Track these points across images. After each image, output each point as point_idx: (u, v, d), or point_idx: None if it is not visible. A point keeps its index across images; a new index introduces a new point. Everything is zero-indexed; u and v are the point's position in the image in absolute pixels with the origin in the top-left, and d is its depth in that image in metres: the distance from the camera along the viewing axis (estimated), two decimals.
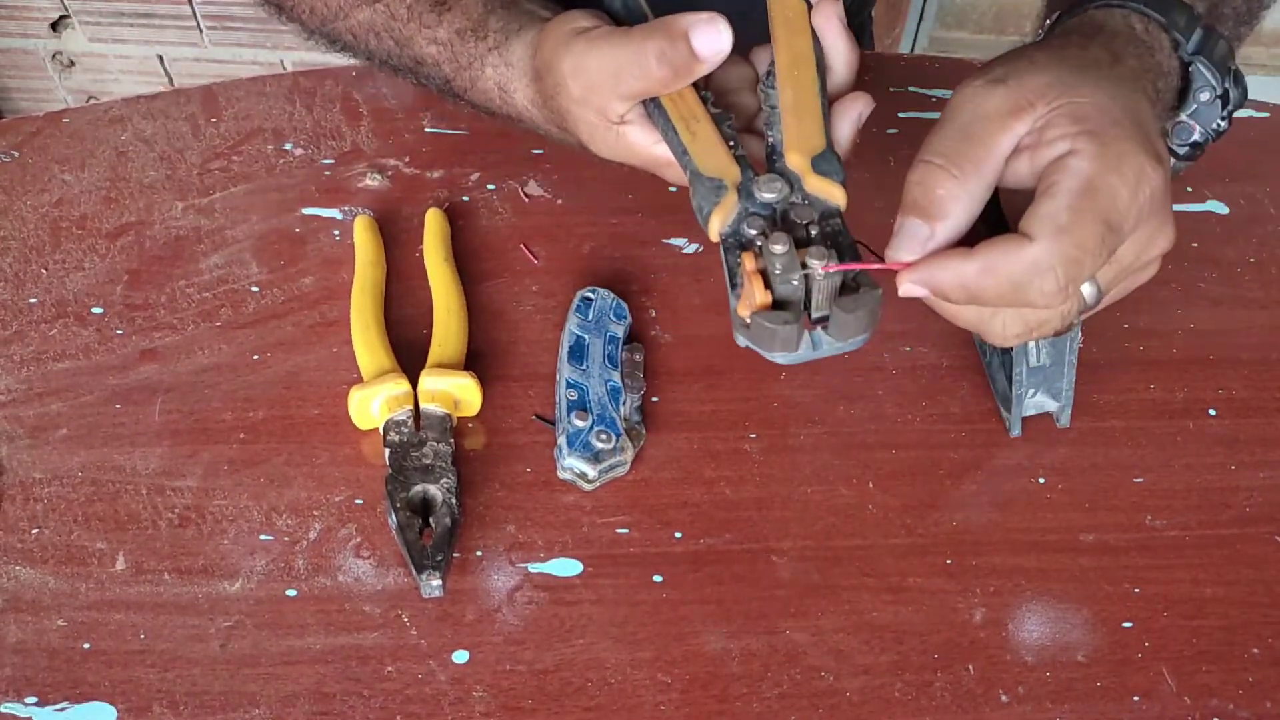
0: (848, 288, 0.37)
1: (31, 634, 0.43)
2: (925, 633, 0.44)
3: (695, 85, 0.42)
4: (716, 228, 0.39)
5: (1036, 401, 0.50)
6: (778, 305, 0.37)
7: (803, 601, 0.45)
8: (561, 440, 0.48)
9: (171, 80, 1.42)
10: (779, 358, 0.37)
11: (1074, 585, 0.46)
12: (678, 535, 0.47)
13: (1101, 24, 0.42)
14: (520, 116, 0.49)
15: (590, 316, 0.52)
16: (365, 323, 0.52)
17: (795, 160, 0.40)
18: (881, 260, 0.38)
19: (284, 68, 1.36)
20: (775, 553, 0.47)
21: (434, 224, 0.58)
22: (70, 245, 0.57)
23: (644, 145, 0.43)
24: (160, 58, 1.40)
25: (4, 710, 0.41)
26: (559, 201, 0.61)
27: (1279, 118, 0.68)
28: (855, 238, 0.38)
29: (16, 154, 0.62)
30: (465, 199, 0.61)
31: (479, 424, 0.51)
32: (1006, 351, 0.49)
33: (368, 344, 0.51)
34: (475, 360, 0.53)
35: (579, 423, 0.48)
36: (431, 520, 0.45)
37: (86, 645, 0.43)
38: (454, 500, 0.46)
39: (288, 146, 0.63)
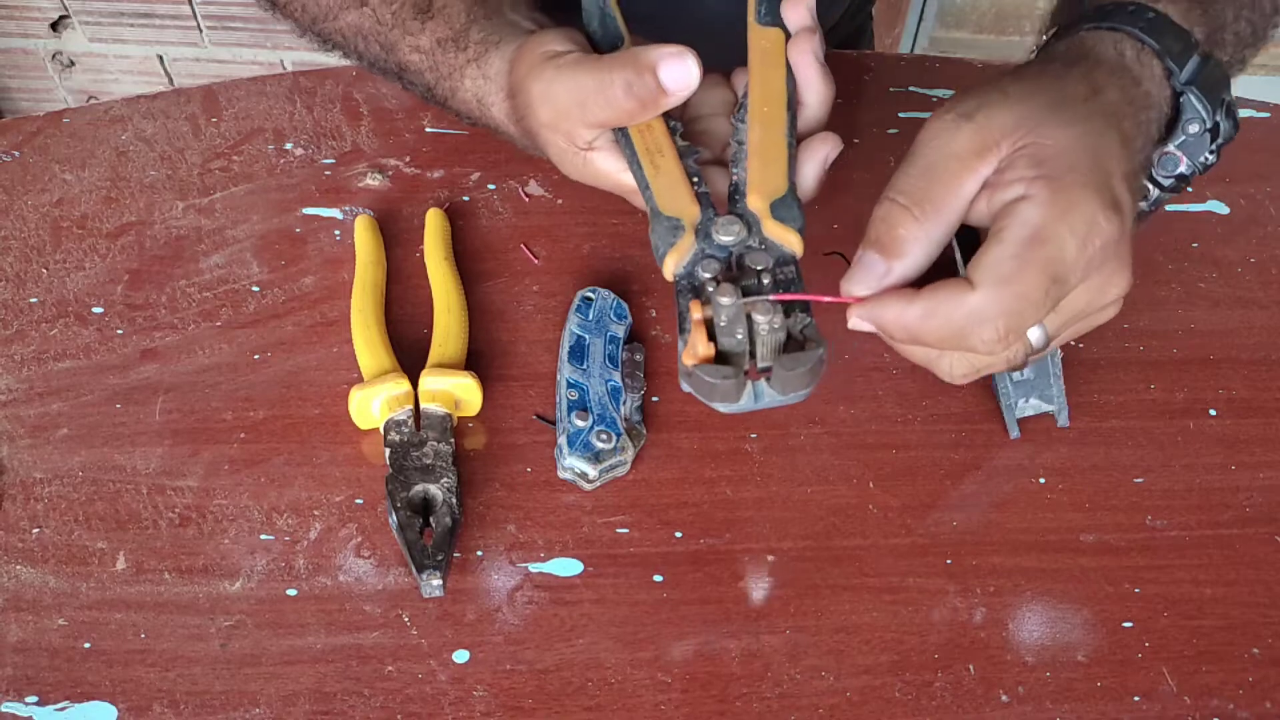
0: (793, 341, 0.37)
1: (32, 633, 0.43)
2: (925, 633, 0.44)
3: (666, 116, 0.42)
4: (671, 268, 0.39)
5: (1032, 405, 0.50)
6: (721, 357, 0.37)
7: (803, 601, 0.45)
8: (562, 440, 0.48)
9: (171, 80, 1.42)
10: (719, 407, 0.37)
11: (1074, 585, 0.46)
12: (678, 535, 0.47)
13: (1089, 50, 0.41)
14: (497, 128, 0.49)
15: (591, 316, 0.52)
16: (366, 322, 0.52)
17: (756, 203, 0.39)
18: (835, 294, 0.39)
19: (284, 67, 1.36)
20: (775, 552, 0.47)
21: (434, 224, 0.58)
22: (71, 245, 0.57)
23: (611, 172, 0.43)
24: (160, 58, 1.40)
25: (5, 709, 0.41)
26: (559, 201, 0.61)
27: (1279, 118, 0.68)
28: (839, 250, 0.38)
29: (17, 154, 0.62)
30: (466, 199, 0.61)
31: (479, 424, 0.51)
32: None
33: (368, 344, 0.51)
34: (476, 360, 0.53)
35: (579, 422, 0.48)
36: (432, 520, 0.45)
37: (87, 645, 0.43)
38: (454, 500, 0.46)
39: (288, 146, 0.63)
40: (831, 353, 0.54)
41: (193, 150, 0.63)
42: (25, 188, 0.60)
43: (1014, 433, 0.50)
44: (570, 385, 0.50)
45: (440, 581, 0.43)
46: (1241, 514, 0.49)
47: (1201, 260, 0.59)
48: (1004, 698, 0.43)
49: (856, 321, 0.39)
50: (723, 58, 0.44)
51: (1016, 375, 0.48)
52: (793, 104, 0.41)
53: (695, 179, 0.41)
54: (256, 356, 0.53)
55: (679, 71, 0.39)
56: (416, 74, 0.50)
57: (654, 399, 0.52)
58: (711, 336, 0.37)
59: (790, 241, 0.39)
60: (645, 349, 0.53)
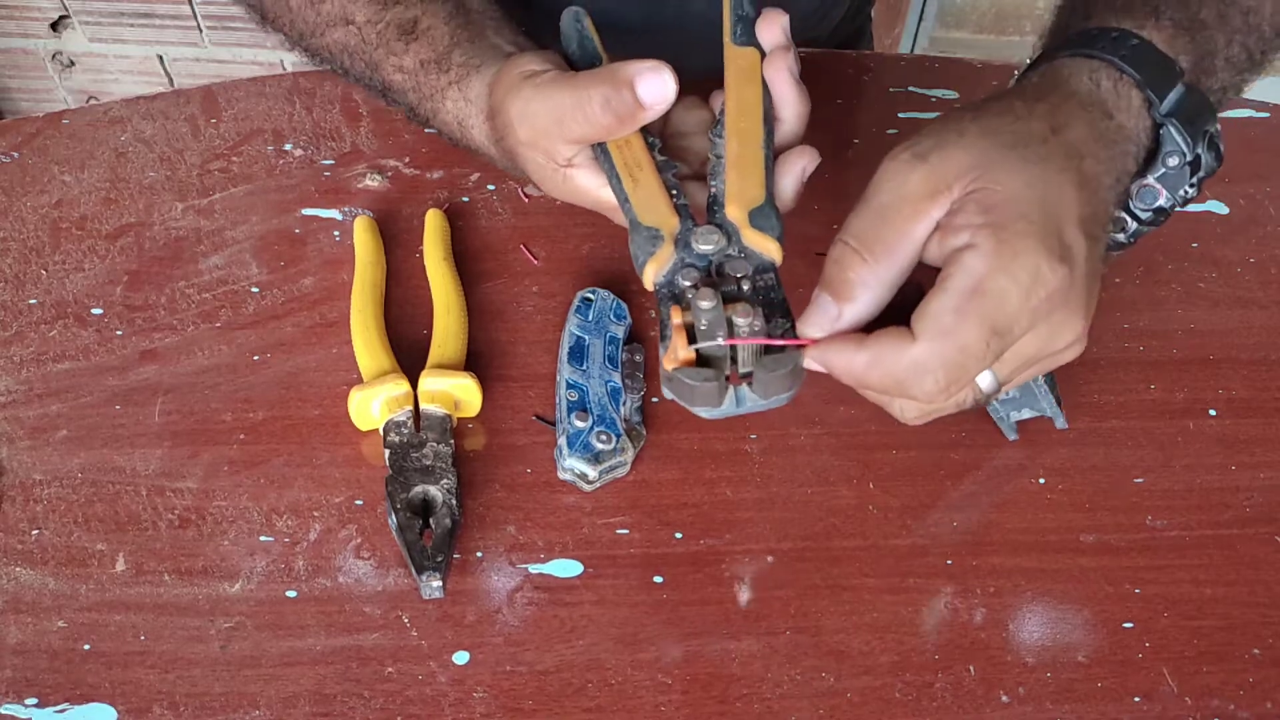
0: (773, 345, 0.37)
1: (32, 635, 0.43)
2: (926, 633, 0.44)
3: (644, 132, 0.42)
4: (650, 277, 0.39)
5: (1022, 413, 0.50)
6: (702, 361, 0.37)
7: (803, 602, 0.45)
8: (562, 441, 0.48)
9: (171, 80, 1.42)
10: (702, 412, 0.37)
11: (1074, 586, 0.46)
12: (678, 536, 0.47)
13: (1061, 81, 0.41)
14: (479, 149, 0.49)
15: (590, 317, 0.52)
16: (365, 323, 0.52)
17: (734, 213, 0.40)
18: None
19: (284, 68, 1.36)
20: (775, 553, 0.47)
21: (434, 224, 0.58)
22: (70, 246, 0.57)
23: (591, 189, 0.43)
24: (160, 58, 1.40)
25: (4, 711, 0.41)
26: (559, 202, 0.60)
27: (1279, 118, 0.68)
28: (825, 251, 0.38)
29: (16, 155, 0.62)
30: (465, 199, 0.61)
31: (479, 425, 0.51)
32: None
33: (368, 345, 0.51)
34: (475, 361, 0.53)
35: (579, 423, 0.48)
36: (432, 521, 0.45)
37: (86, 646, 0.43)
38: (454, 501, 0.46)
39: (288, 147, 0.63)
40: None
41: (192, 151, 0.63)
42: (24, 189, 0.60)
43: (1011, 435, 0.50)
44: (570, 386, 0.49)
45: (440, 583, 0.43)
46: (1241, 514, 0.49)
47: (1201, 260, 0.59)
48: (1004, 698, 0.43)
49: (809, 362, 0.39)
50: (709, 66, 0.44)
51: (1000, 395, 0.48)
52: (769, 118, 0.42)
53: (674, 192, 0.41)
54: (256, 357, 0.53)
55: (656, 86, 0.39)
56: (400, 93, 0.50)
57: (654, 400, 0.52)
58: (692, 340, 0.37)
59: (769, 249, 0.39)
60: (645, 350, 0.53)
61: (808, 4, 0.71)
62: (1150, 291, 0.58)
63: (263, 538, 0.46)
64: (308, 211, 0.60)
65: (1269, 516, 0.49)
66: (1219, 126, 0.42)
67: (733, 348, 0.37)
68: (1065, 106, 0.40)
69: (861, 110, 0.67)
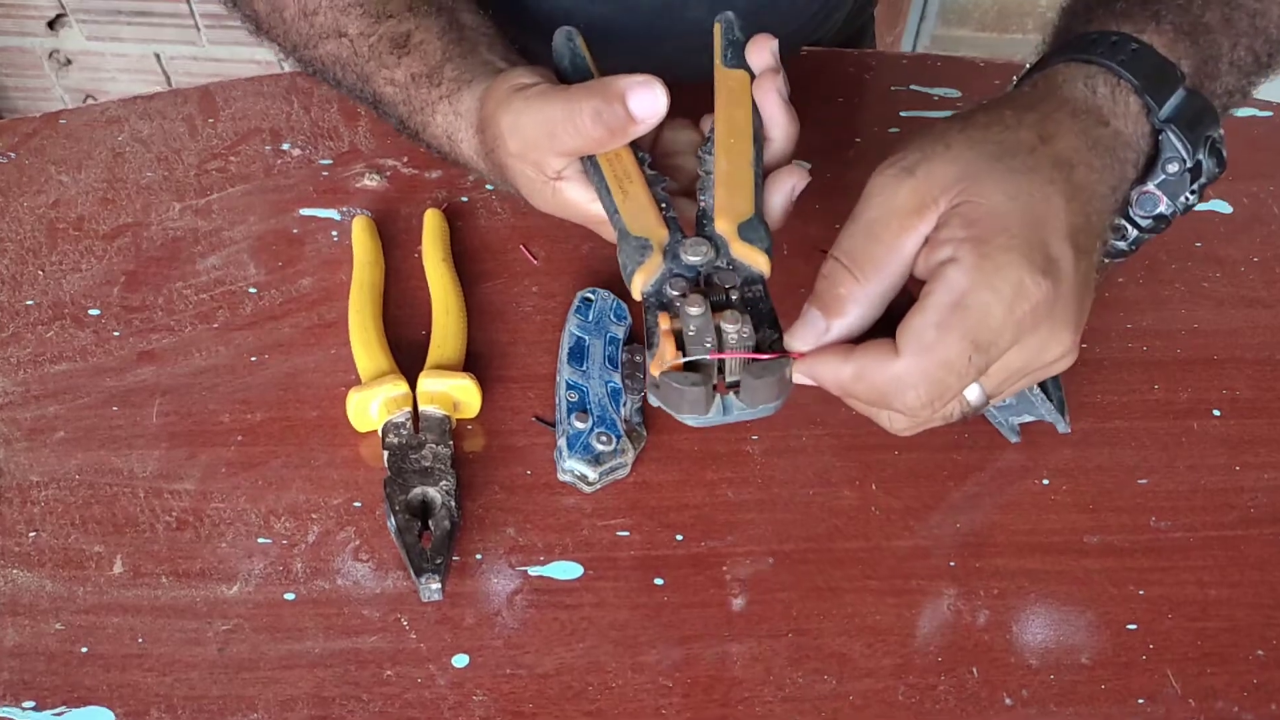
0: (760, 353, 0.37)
1: (29, 637, 0.43)
2: (928, 635, 0.44)
3: (634, 146, 0.42)
4: (639, 286, 0.39)
5: (1022, 417, 0.49)
6: (690, 368, 0.37)
7: (805, 604, 0.45)
8: (561, 442, 0.48)
9: (169, 79, 1.41)
10: (688, 419, 0.37)
11: (1078, 587, 0.46)
12: (679, 538, 0.47)
13: (1056, 88, 0.40)
14: (468, 164, 0.49)
15: (590, 317, 0.52)
16: (363, 324, 0.52)
17: (723, 225, 0.40)
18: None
19: (282, 67, 1.36)
20: (777, 555, 0.46)
21: (432, 224, 0.57)
22: (67, 247, 0.57)
23: (580, 202, 0.43)
24: (158, 56, 1.40)
25: (2, 714, 0.41)
26: None
27: None
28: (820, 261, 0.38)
29: (13, 155, 0.62)
30: (464, 199, 0.60)
31: (478, 426, 0.50)
32: None
33: (366, 345, 0.51)
34: (474, 362, 0.52)
35: (579, 424, 0.48)
36: (430, 523, 0.45)
37: (84, 649, 0.43)
38: (453, 503, 0.46)
39: (285, 147, 0.63)
40: None
41: (189, 151, 0.62)
42: (21, 189, 0.60)
43: (1013, 438, 0.50)
44: (570, 387, 0.49)
45: (439, 585, 0.43)
46: (1246, 515, 0.48)
47: (1205, 260, 0.59)
48: (1008, 700, 0.42)
49: (798, 376, 0.39)
50: (705, 75, 0.44)
51: (996, 402, 0.47)
52: (758, 138, 0.42)
53: (663, 205, 0.41)
54: (254, 358, 0.53)
55: (647, 99, 0.39)
56: (390, 106, 0.50)
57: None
58: (680, 348, 0.37)
59: (758, 261, 0.39)
60: (645, 350, 0.52)
61: (810, 5, 0.71)
62: (1154, 291, 0.57)
63: (261, 540, 0.46)
64: (306, 211, 0.59)
65: (1274, 517, 0.48)
66: (1221, 132, 0.42)
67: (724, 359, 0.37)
68: (1056, 115, 0.39)
69: (863, 109, 0.67)
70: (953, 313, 0.35)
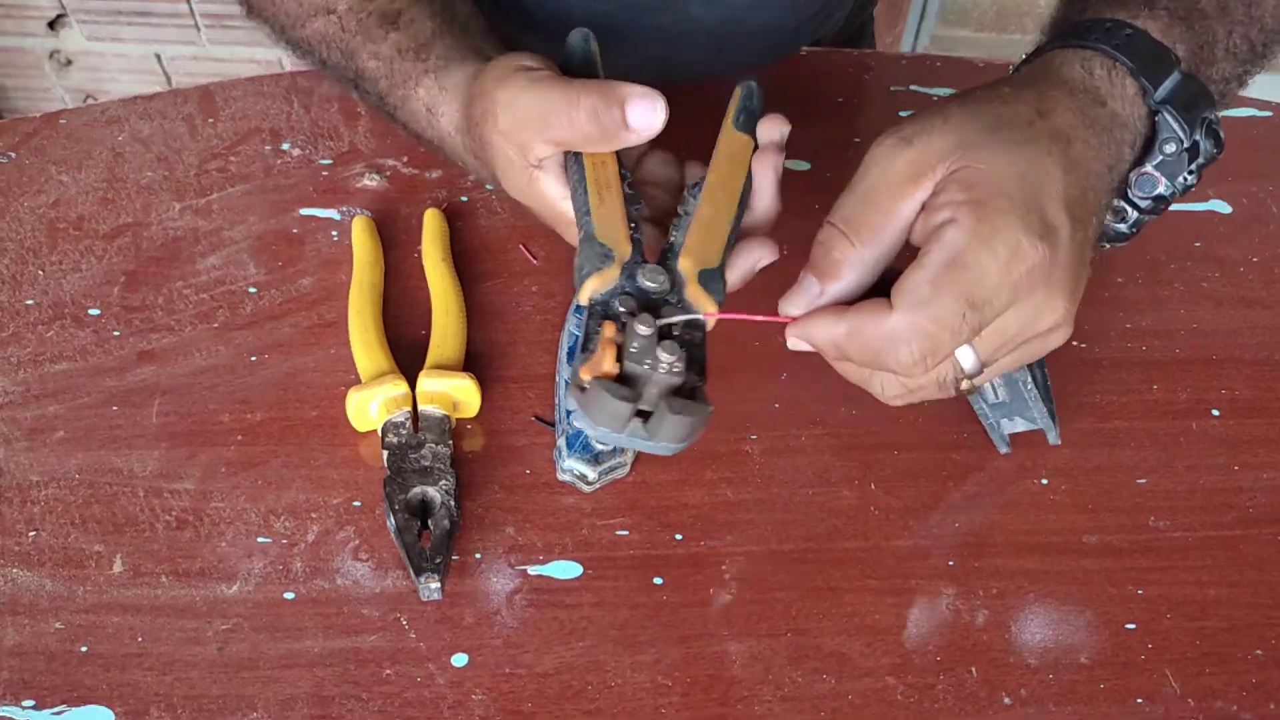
0: (682, 393, 0.37)
1: (29, 637, 0.43)
2: (927, 635, 0.44)
3: (619, 159, 0.42)
4: (589, 292, 0.39)
5: (1017, 424, 0.49)
6: (623, 383, 0.36)
7: (804, 604, 0.45)
8: (561, 442, 0.48)
9: (169, 79, 1.41)
10: (596, 431, 0.36)
11: (1077, 587, 0.46)
12: (678, 537, 0.47)
13: (1053, 70, 0.41)
14: (442, 141, 0.49)
15: None
16: (363, 324, 0.52)
17: (686, 265, 0.40)
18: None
19: (282, 67, 1.36)
20: (776, 555, 0.46)
21: (432, 224, 0.58)
22: (67, 246, 0.57)
23: (553, 196, 0.43)
24: (158, 56, 1.40)
25: (2, 713, 0.41)
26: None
27: None
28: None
29: (13, 155, 0.62)
30: (464, 199, 0.60)
31: (478, 425, 0.50)
32: None
33: (366, 345, 0.51)
34: (474, 361, 0.52)
35: (579, 424, 0.48)
36: (430, 522, 0.45)
37: (84, 648, 0.43)
38: (453, 502, 0.46)
39: (285, 146, 0.63)
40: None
41: (189, 151, 0.62)
42: (21, 189, 0.60)
43: (1003, 449, 0.50)
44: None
45: (438, 584, 0.43)
46: (1245, 515, 0.48)
47: (1204, 259, 0.59)
48: (1006, 700, 0.42)
49: (794, 341, 0.39)
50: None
51: (991, 397, 0.47)
52: (744, 201, 0.42)
53: (633, 224, 0.41)
54: (253, 358, 0.53)
55: (645, 112, 0.39)
56: (371, 81, 0.50)
57: None
58: (618, 360, 0.36)
59: (707, 309, 0.39)
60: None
61: (810, 4, 0.71)
62: (1153, 291, 0.57)
63: (260, 539, 0.46)
64: (305, 211, 0.59)
65: (1272, 517, 0.48)
66: (1219, 114, 0.42)
67: (647, 386, 0.36)
68: (1053, 93, 0.40)
69: (863, 109, 0.67)
70: (948, 270, 0.35)
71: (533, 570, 0.46)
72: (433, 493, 0.46)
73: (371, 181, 0.61)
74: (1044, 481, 0.49)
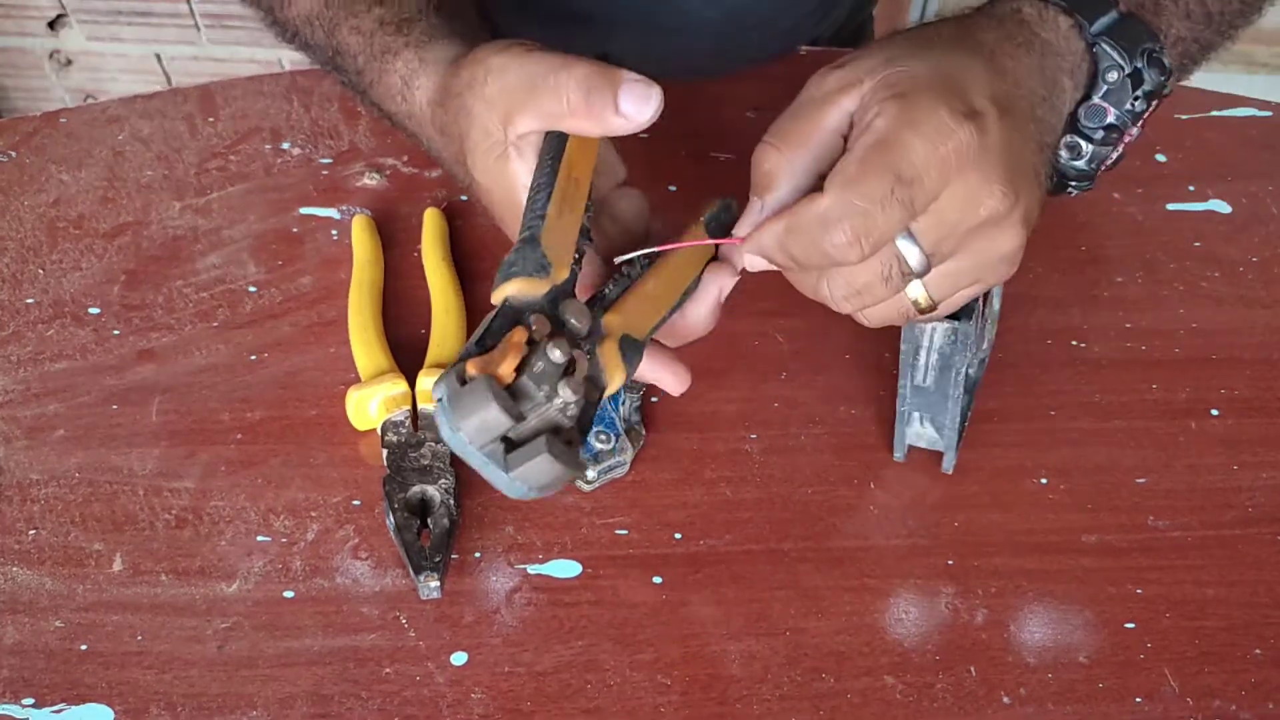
0: (561, 440, 0.34)
1: (29, 635, 0.43)
2: (926, 634, 0.44)
3: (590, 193, 0.40)
4: (512, 291, 0.35)
5: (923, 433, 0.48)
6: (513, 397, 0.33)
7: (803, 603, 0.45)
8: None
9: (169, 79, 1.41)
10: (449, 436, 0.33)
11: (1076, 586, 0.46)
12: (677, 536, 0.47)
13: (990, 10, 0.42)
14: (411, 115, 0.48)
15: None
16: (363, 323, 0.52)
17: (613, 321, 0.38)
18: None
19: (282, 66, 1.36)
20: (776, 554, 0.46)
21: (432, 223, 0.58)
22: (67, 245, 0.57)
23: (515, 184, 0.42)
24: (158, 56, 1.40)
25: (2, 711, 0.41)
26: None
27: None
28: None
29: (13, 154, 0.62)
30: (464, 198, 0.60)
31: None
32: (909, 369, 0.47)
33: (365, 344, 0.51)
34: None
35: None
36: (430, 521, 0.45)
37: (84, 646, 0.43)
38: (452, 501, 0.46)
39: (285, 146, 0.63)
40: (831, 352, 0.54)
41: (189, 150, 0.62)
42: (22, 188, 0.60)
43: (898, 454, 0.49)
44: None
45: (438, 583, 0.43)
46: (1244, 514, 0.48)
47: (1204, 259, 0.59)
48: (1005, 699, 0.42)
49: (749, 259, 0.39)
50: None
51: (919, 378, 0.46)
52: (682, 303, 0.41)
53: (578, 254, 0.38)
54: (253, 357, 0.53)
55: (638, 99, 0.38)
56: (350, 57, 0.50)
57: (653, 399, 0.51)
58: (516, 372, 0.34)
59: (615, 377, 0.37)
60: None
61: (809, 2, 0.71)
62: (1152, 290, 0.57)
63: (260, 538, 0.46)
64: (305, 210, 0.59)
65: (1272, 517, 0.48)
66: (1162, 46, 0.42)
67: (530, 415, 0.33)
68: (979, 21, 0.41)
69: None
70: (874, 150, 0.35)
71: (532, 569, 0.46)
72: (432, 491, 0.46)
73: (371, 181, 0.61)
74: (1043, 481, 0.49)
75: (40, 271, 0.56)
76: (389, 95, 0.48)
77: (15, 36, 1.39)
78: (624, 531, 0.47)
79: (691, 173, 0.60)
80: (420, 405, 0.49)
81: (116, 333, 0.53)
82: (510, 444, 0.33)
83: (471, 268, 0.57)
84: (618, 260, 0.39)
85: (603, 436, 0.47)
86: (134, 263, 0.57)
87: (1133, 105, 0.42)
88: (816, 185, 0.37)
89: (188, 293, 0.55)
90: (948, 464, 0.49)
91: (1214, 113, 0.68)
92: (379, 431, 0.49)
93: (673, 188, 0.60)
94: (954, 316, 0.43)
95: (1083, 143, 0.43)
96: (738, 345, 0.54)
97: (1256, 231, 0.61)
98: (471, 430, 0.32)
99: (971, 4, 0.43)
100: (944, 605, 0.45)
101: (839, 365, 0.53)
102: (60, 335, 0.53)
